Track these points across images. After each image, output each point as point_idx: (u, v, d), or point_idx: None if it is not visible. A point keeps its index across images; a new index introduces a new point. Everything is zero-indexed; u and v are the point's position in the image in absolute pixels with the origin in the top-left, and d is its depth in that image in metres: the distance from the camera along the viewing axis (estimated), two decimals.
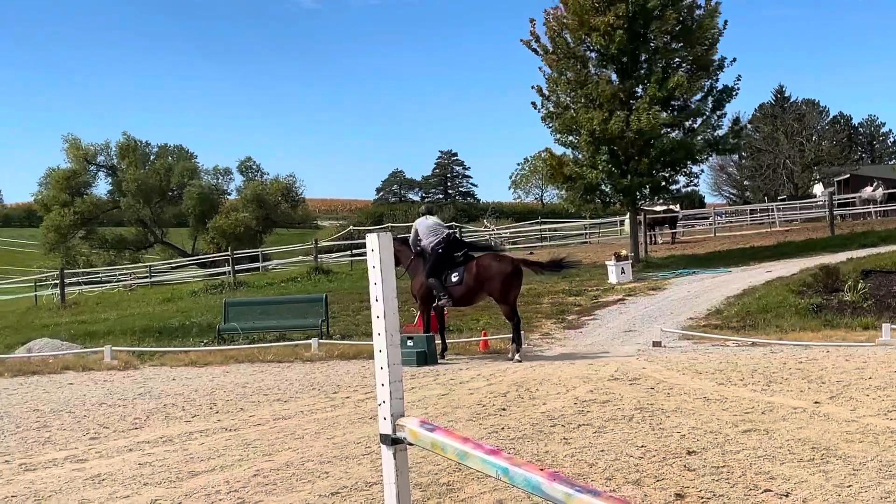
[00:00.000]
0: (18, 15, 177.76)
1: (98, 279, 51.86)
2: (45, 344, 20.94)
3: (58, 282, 41.54)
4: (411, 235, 17.48)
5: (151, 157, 67.40)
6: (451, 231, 18.24)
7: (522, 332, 18.19)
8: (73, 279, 48.25)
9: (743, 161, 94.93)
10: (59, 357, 19.09)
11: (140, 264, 55.80)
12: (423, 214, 17.98)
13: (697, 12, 33.11)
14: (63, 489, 7.60)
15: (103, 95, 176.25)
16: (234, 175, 68.72)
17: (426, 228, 17.45)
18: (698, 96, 33.29)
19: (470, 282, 16.77)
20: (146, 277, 50.01)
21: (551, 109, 33.65)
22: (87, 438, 10.02)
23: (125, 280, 51.07)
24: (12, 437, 10.40)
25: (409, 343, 16.07)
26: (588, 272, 30.97)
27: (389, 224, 65.51)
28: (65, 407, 12.67)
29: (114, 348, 19.06)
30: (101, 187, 65.49)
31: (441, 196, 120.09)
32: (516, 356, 16.29)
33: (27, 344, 21.13)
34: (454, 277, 16.82)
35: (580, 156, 33.52)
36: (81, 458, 8.92)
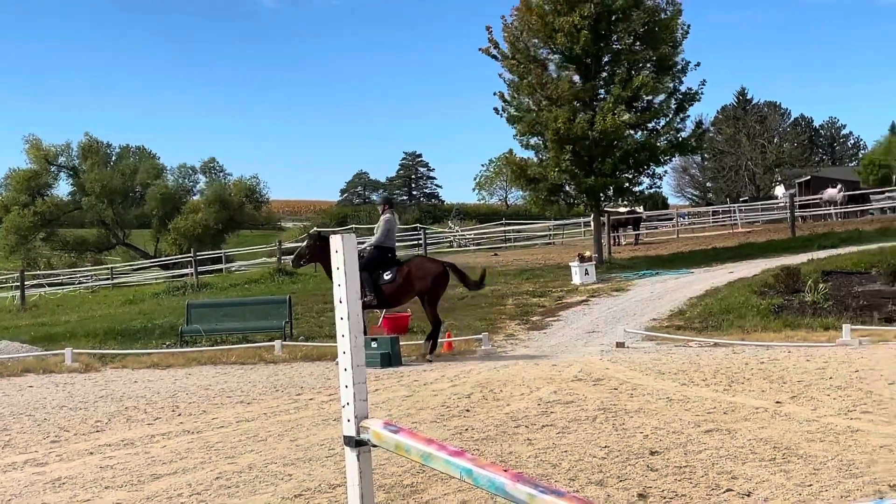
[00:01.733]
0: None
1: (59, 281, 51.45)
2: (5, 346, 20.77)
3: (18, 284, 41.16)
4: (381, 234, 17.38)
5: (113, 158, 66.95)
6: None
7: (486, 333, 18.33)
8: (34, 281, 47.87)
9: (705, 163, 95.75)
10: (19, 359, 18.92)
11: (102, 266, 55.38)
12: (390, 208, 18.13)
13: (662, 15, 33.34)
14: (23, 493, 7.54)
15: (65, 96, 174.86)
16: (199, 176, 68.38)
17: (395, 230, 17.95)
18: (662, 97, 33.53)
19: (401, 281, 17.04)
20: (108, 279, 49.67)
21: (514, 113, 33.84)
22: (47, 442, 9.94)
23: (86, 282, 50.68)
24: None
25: (374, 345, 16.05)
26: (552, 273, 31.12)
27: (353, 225, 65.37)
28: (25, 410, 12.56)
29: (75, 350, 18.90)
30: (63, 188, 65.00)
31: (405, 197, 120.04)
32: (429, 356, 16.89)
33: None
34: (387, 276, 17.04)
35: (544, 157, 33.67)
36: (42, 461, 8.85)
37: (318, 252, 17.37)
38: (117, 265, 55.22)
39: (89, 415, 11.83)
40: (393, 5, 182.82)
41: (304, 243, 18.03)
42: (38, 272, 52.53)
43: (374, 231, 17.65)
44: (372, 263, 17.02)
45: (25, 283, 41.08)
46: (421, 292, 17.27)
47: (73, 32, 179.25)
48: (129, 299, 35.57)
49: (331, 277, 14.44)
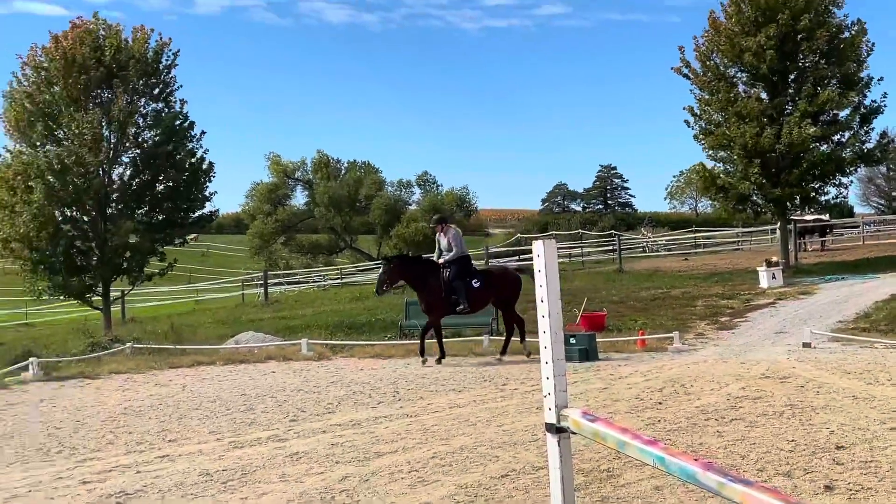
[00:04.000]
0: (230, 55, 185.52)
1: (296, 280, 53.36)
2: (251, 336, 21.64)
3: (262, 282, 42.97)
4: (460, 246, 16.95)
5: (342, 172, 69.08)
6: None
7: (677, 332, 17.99)
8: (275, 280, 49.74)
9: (891, 173, 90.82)
10: (263, 348, 19.72)
11: (332, 267, 57.19)
12: (450, 224, 17.62)
13: (846, 33, 32.04)
14: (266, 465, 7.86)
15: (300, 120, 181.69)
16: (415, 188, 69.88)
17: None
18: (847, 111, 32.18)
19: (486, 287, 16.75)
20: (338, 279, 51.21)
21: (703, 127, 33.27)
22: (287, 420, 10.33)
23: (319, 281, 52.41)
24: (223, 418, 10.82)
25: (572, 341, 15.96)
26: (740, 277, 30.25)
27: (553, 232, 65.27)
28: (268, 392, 13.09)
29: (309, 341, 19.55)
30: (299, 199, 67.51)
31: (601, 206, 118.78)
32: (526, 351, 16.53)
33: (235, 336, 21.88)
34: (475, 283, 16.64)
35: (731, 168, 32.98)
36: (282, 437, 9.20)
37: (397, 273, 16.91)
38: (346, 266, 56.90)
39: (322, 398, 12.23)
40: (585, 33, 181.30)
41: (381, 270, 17.43)
42: (279, 272, 54.64)
43: (451, 246, 16.87)
44: (462, 273, 16.69)
45: (268, 281, 42.83)
46: (503, 297, 17.01)
47: (311, 64, 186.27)
48: (355, 297, 36.51)
49: (416, 290, 14.14)
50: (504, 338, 17.34)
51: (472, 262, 17.84)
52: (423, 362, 16.17)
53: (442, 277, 16.67)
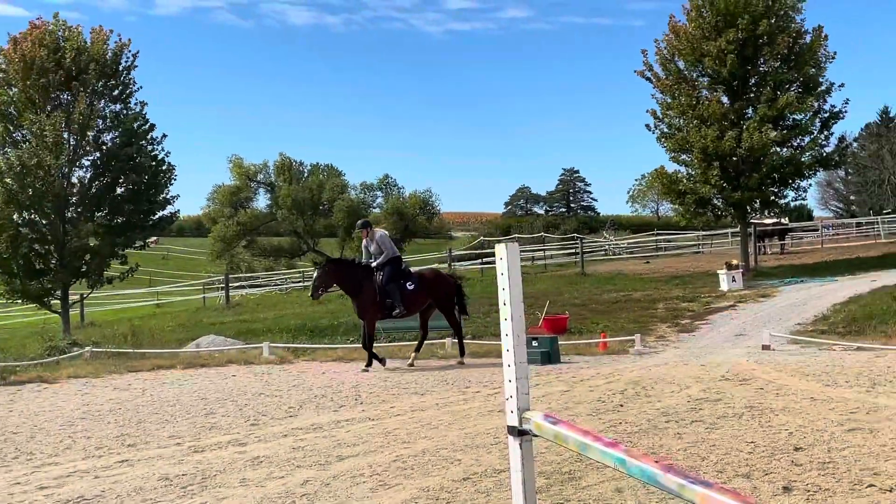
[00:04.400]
0: (191, 56, 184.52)
1: (258, 283, 53.10)
2: (212, 340, 21.55)
3: (223, 285, 42.70)
4: (391, 247, 16.78)
5: (305, 175, 68.85)
6: None
7: (638, 335, 18.10)
8: (237, 283, 49.48)
9: (849, 177, 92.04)
10: (224, 352, 19.61)
11: (294, 270, 56.96)
12: (373, 226, 17.47)
13: (806, 38, 32.42)
14: (226, 469, 7.80)
15: (263, 122, 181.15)
16: (377, 192, 69.90)
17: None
18: (807, 116, 32.56)
19: (420, 290, 16.57)
20: (300, 282, 50.98)
21: (665, 131, 33.50)
22: (247, 425, 10.27)
23: (281, 284, 52.15)
24: (183, 421, 10.73)
25: (534, 343, 16.02)
26: (701, 280, 30.48)
27: (516, 235, 65.42)
28: (228, 396, 13.00)
29: (271, 345, 19.48)
30: (261, 202, 67.19)
31: (564, 209, 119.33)
32: (462, 360, 16.78)
33: (196, 340, 21.78)
34: (409, 286, 16.43)
35: (692, 172, 33.24)
36: (243, 441, 9.14)
37: (331, 277, 16.61)
38: (308, 269, 56.68)
39: (283, 401, 12.17)
40: (549, 36, 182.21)
41: (315, 274, 17.10)
42: (241, 275, 54.34)
43: (380, 248, 16.63)
44: (395, 275, 16.44)
45: (230, 284, 42.56)
46: (438, 301, 16.93)
47: (273, 66, 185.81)
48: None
49: (350, 295, 13.94)
50: (456, 341, 17.35)
51: (404, 263, 17.67)
52: (383, 364, 16.20)
53: (376, 281, 16.37)
